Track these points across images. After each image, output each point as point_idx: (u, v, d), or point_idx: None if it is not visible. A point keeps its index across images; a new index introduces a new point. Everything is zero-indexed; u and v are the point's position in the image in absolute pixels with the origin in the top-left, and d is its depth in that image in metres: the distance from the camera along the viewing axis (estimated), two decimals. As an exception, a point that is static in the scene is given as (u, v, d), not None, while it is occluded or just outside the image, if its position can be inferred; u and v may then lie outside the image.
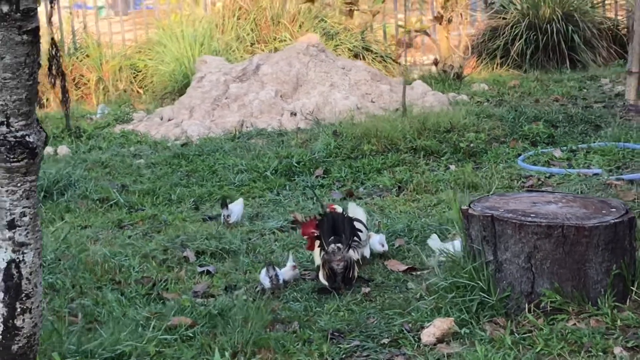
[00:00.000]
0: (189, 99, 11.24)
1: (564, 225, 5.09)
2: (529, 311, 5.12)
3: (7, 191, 4.09)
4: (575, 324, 4.99)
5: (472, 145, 8.83)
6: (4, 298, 4.18)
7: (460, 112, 9.54)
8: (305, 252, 6.64)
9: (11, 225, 4.12)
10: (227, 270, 6.43)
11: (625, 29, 15.34)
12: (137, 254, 6.71)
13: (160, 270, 6.45)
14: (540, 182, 7.93)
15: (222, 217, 7.46)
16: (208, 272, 6.40)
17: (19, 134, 4.04)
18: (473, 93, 12.03)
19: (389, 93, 11.22)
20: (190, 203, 8.24)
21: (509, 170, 8.34)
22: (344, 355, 4.98)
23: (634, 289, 5.18)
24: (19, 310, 4.20)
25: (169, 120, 11.09)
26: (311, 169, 8.81)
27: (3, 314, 4.20)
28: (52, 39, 4.20)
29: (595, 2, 15.86)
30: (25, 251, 4.16)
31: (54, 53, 4.24)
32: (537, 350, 4.77)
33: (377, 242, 6.48)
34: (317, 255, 6.13)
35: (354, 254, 6.02)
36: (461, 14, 13.50)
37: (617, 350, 4.71)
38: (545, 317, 5.05)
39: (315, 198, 7.66)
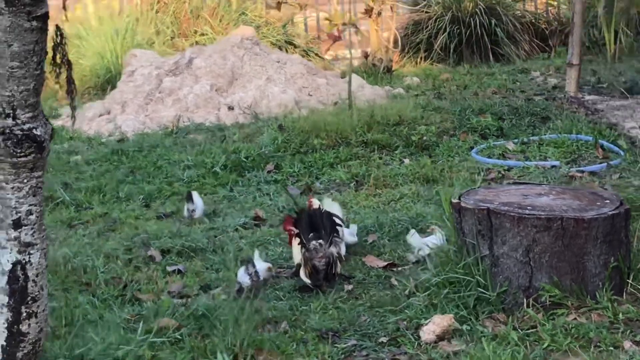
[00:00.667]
0: (120, 93, 10.91)
1: (563, 217, 5.01)
2: (528, 306, 5.02)
3: (12, 188, 3.82)
4: (575, 319, 4.92)
5: (424, 138, 8.72)
6: (9, 302, 3.92)
7: (408, 105, 9.44)
8: (276, 249, 6.48)
9: (17, 225, 3.86)
10: (197, 269, 6.21)
11: (546, 23, 15.43)
12: (99, 254, 6.42)
13: (128, 270, 6.20)
14: (501, 175, 7.86)
15: (186, 210, 7.22)
16: (179, 271, 6.17)
17: (25, 126, 3.78)
18: (407, 86, 11.95)
19: (325, 87, 11.06)
20: (139, 200, 7.97)
21: (465, 163, 8.27)
22: (342, 356, 4.83)
23: (630, 281, 5.13)
24: (24, 314, 3.94)
25: (100, 115, 10.74)
26: (261, 164, 8.60)
27: (8, 319, 3.93)
28: (57, 25, 3.90)
29: (516, -5, 15.89)
30: (31, 252, 3.91)
31: (58, 40, 3.94)
32: (545, 346, 4.68)
33: (347, 233, 6.34)
34: (296, 253, 5.96)
35: (335, 250, 5.86)
36: (391, 7, 13.39)
37: (627, 344, 4.65)
38: (545, 312, 4.97)
39: (288, 195, 7.44)
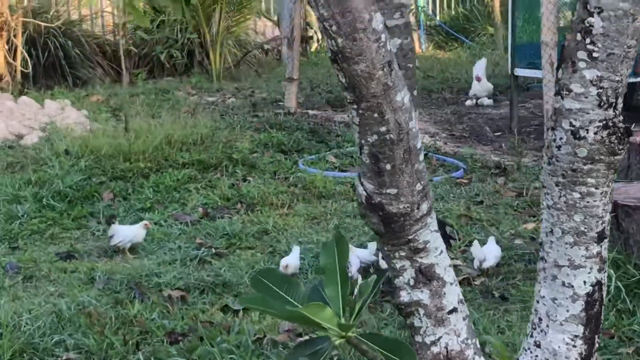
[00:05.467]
0: None
1: None
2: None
3: (601, 193, 3.21)
4: None
5: (253, 155, 8.33)
6: (584, 332, 3.27)
7: (200, 124, 8.84)
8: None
9: (600, 237, 3.24)
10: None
11: (115, 45, 14.94)
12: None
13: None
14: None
15: None
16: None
17: (620, 118, 3.22)
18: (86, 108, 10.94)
19: (20, 110, 9.82)
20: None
21: (315, 177, 7.96)
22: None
23: None
24: (596, 346, 3.32)
25: None
26: (92, 194, 7.53)
27: (581, 354, 3.28)
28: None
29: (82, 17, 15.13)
30: (605, 269, 3.31)
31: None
32: None
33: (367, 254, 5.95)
34: None
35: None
36: (16, 24, 12.15)
37: None
38: None
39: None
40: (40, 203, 7.30)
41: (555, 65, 8.14)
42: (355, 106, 2.90)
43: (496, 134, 9.86)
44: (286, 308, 3.00)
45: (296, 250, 5.90)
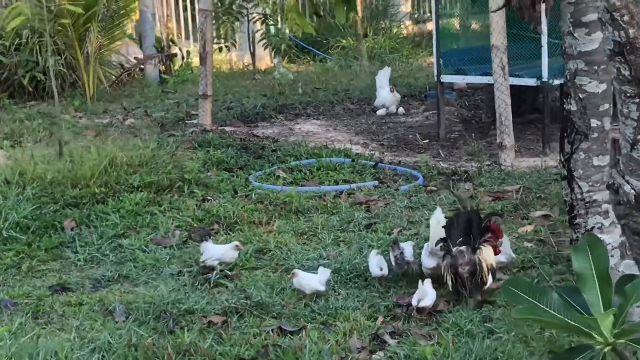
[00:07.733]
0: None
1: None
2: None
3: None
4: None
5: (209, 175, 8.07)
6: None
7: (134, 146, 8.46)
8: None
9: None
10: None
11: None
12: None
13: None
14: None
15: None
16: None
17: None
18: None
19: None
20: None
21: (278, 194, 7.74)
22: None
23: None
24: None
25: None
26: (54, 222, 7.08)
27: None
28: None
29: None
30: None
31: None
32: None
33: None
34: None
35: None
36: None
37: None
38: None
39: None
40: (1, 236, 6.81)
41: (507, 68, 8.30)
42: (637, 100, 2.78)
43: (424, 141, 9.86)
44: (564, 319, 2.86)
45: (325, 272, 5.71)
